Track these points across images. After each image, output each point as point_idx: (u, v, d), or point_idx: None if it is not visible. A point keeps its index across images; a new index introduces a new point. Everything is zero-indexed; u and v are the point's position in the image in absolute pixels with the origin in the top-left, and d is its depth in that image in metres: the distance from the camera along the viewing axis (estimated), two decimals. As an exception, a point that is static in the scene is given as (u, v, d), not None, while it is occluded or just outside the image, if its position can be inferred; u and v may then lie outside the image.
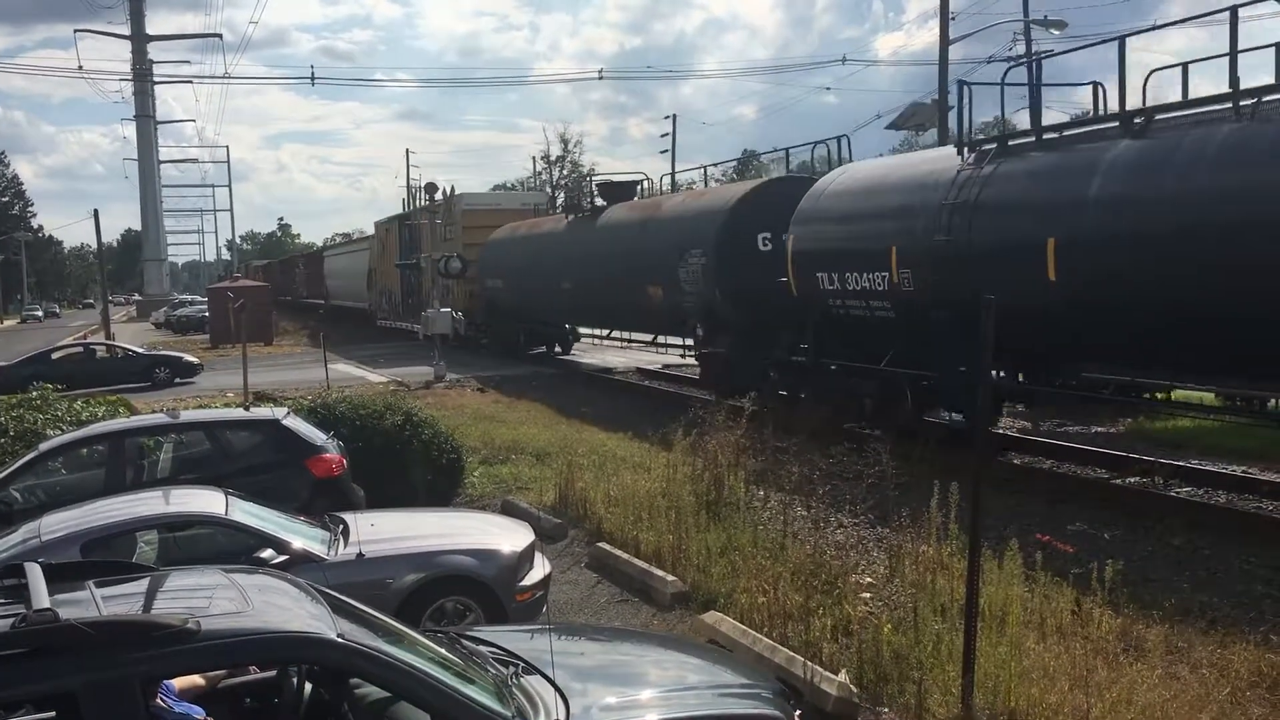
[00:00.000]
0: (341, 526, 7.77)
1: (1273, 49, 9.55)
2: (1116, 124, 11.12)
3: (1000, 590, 7.01)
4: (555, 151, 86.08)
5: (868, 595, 7.49)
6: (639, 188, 26.34)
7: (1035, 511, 10.72)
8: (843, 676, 6.43)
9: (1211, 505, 10.78)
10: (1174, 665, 5.81)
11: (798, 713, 4.99)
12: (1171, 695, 5.67)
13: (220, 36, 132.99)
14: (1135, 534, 9.84)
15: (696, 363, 20.87)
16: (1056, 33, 36.31)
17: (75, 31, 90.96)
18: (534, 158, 79.77)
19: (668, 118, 67.64)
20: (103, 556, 6.17)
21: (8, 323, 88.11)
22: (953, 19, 32.20)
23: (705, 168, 37.96)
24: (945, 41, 30.88)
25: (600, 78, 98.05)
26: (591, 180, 30.34)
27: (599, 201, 25.72)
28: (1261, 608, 7.86)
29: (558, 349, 31.92)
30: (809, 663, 6.58)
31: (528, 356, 30.78)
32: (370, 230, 54.06)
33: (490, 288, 31.29)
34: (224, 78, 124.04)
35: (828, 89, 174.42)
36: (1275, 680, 6.10)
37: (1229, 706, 5.62)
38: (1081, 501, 11.03)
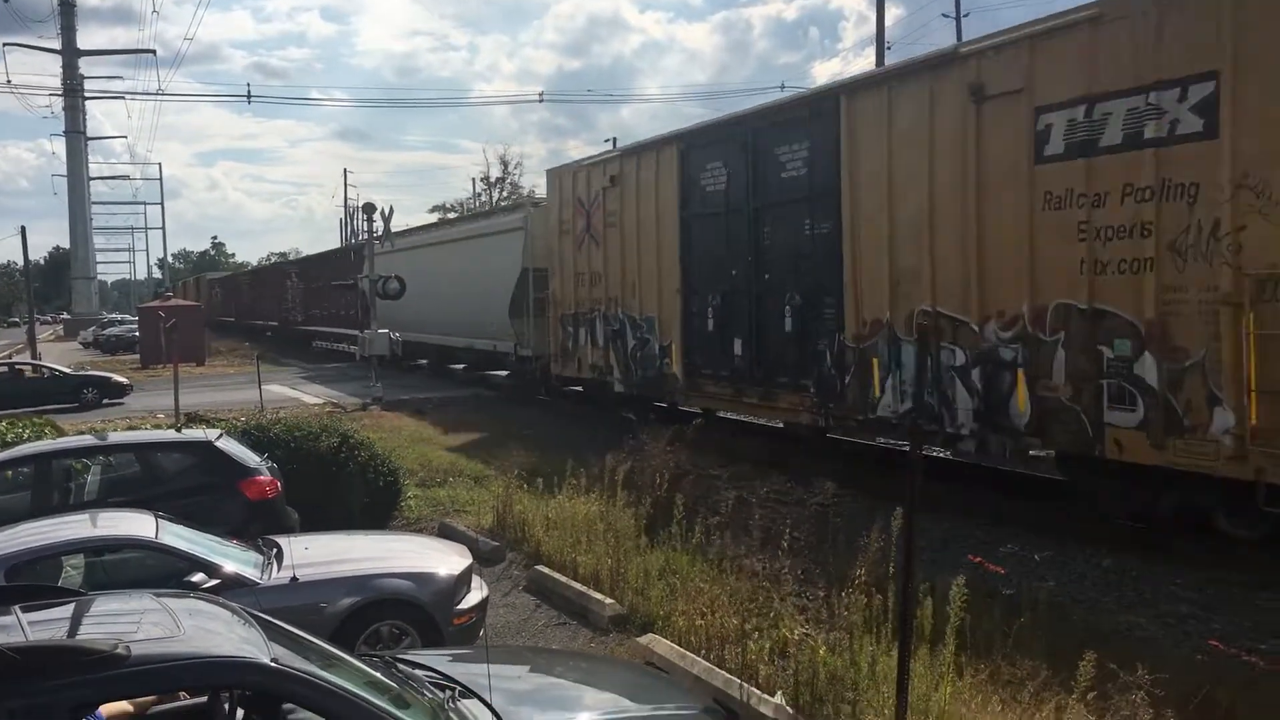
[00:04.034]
0: (275, 550, 7.67)
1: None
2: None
3: (934, 613, 7.10)
4: (495, 173, 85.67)
5: (804, 618, 7.55)
6: None
7: (970, 535, 10.86)
8: (779, 698, 6.47)
9: (1139, 529, 11.00)
10: (1102, 684, 5.92)
11: (734, 734, 5.02)
12: (1098, 718, 5.79)
13: (154, 52, 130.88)
14: (1065, 556, 10.01)
15: None
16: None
17: (3, 45, 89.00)
18: (474, 179, 78.91)
19: (607, 140, 67.60)
20: (28, 581, 6.04)
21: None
22: (889, 48, 32.77)
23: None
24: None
25: (541, 100, 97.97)
26: None
27: None
28: (1186, 628, 8.05)
29: None
30: (746, 684, 6.62)
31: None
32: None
33: None
34: (157, 94, 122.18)
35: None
36: (1201, 702, 6.24)
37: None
38: (1015, 525, 11.20)
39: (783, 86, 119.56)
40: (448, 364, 30.84)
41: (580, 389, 21.42)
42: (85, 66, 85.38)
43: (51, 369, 29.94)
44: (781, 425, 15.44)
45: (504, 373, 25.21)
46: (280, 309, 52.88)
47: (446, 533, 11.63)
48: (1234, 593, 8.74)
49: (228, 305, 72.19)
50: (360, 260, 28.62)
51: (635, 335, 18.01)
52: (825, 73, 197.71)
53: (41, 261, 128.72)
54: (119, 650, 3.74)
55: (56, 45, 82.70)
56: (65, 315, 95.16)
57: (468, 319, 25.94)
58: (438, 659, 5.35)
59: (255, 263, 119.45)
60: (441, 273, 28.02)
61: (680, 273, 16.56)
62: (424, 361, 31.98)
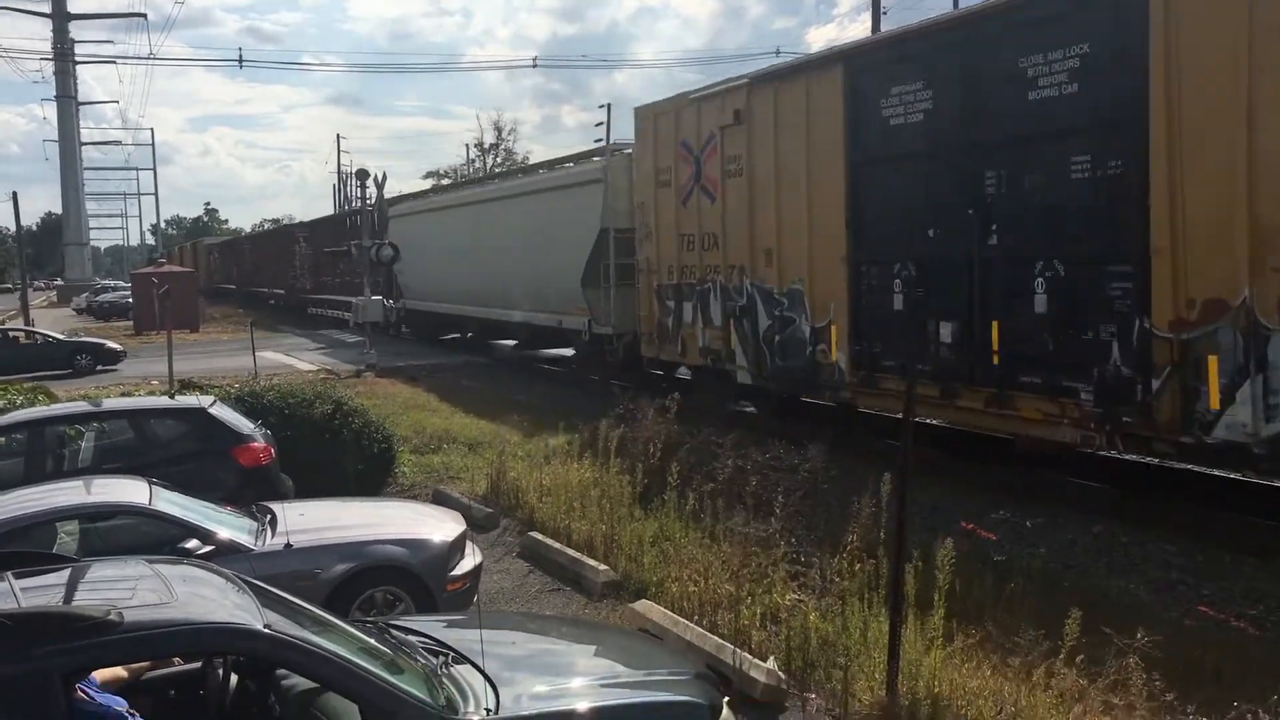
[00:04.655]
0: (269, 516, 7.68)
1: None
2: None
3: (925, 577, 7.14)
4: (489, 139, 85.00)
5: (796, 584, 7.59)
6: None
7: (962, 500, 10.89)
8: (771, 664, 6.52)
9: (1130, 496, 11.04)
10: (1091, 650, 5.97)
11: (726, 699, 5.05)
12: (1089, 681, 5.83)
13: (145, 16, 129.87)
14: (1057, 522, 10.06)
15: None
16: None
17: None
18: (467, 145, 78.16)
19: (602, 106, 66.95)
20: (22, 547, 6.04)
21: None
22: (884, 13, 32.54)
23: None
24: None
25: (535, 66, 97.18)
26: None
27: None
28: (1176, 593, 8.11)
29: None
30: (738, 650, 6.66)
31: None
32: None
33: None
34: (149, 58, 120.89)
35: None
36: (1188, 665, 6.30)
37: (1144, 691, 5.77)
38: (1006, 491, 11.23)
39: (777, 52, 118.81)
40: (492, 339, 27.01)
41: (660, 373, 17.77)
42: (76, 30, 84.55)
43: (45, 335, 29.85)
44: (1009, 437, 11.24)
45: (569, 351, 21.90)
46: (287, 276, 48.64)
47: (440, 499, 11.66)
48: (1224, 559, 8.80)
49: (228, 271, 69.11)
50: (383, 222, 25.85)
51: (771, 313, 13.91)
52: (821, 38, 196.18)
53: (34, 227, 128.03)
54: (112, 616, 3.75)
55: (46, 8, 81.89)
56: (58, 281, 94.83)
57: (525, 289, 22.18)
58: (431, 625, 5.37)
59: (249, 228, 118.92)
60: (489, 235, 24.12)
61: (848, 234, 12.49)
62: (456, 335, 28.90)
